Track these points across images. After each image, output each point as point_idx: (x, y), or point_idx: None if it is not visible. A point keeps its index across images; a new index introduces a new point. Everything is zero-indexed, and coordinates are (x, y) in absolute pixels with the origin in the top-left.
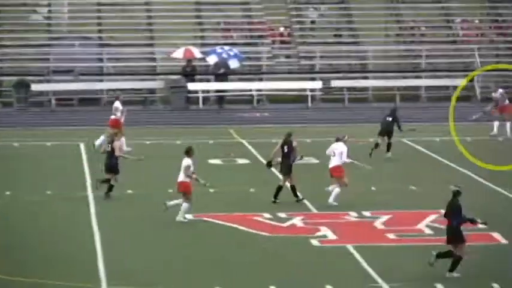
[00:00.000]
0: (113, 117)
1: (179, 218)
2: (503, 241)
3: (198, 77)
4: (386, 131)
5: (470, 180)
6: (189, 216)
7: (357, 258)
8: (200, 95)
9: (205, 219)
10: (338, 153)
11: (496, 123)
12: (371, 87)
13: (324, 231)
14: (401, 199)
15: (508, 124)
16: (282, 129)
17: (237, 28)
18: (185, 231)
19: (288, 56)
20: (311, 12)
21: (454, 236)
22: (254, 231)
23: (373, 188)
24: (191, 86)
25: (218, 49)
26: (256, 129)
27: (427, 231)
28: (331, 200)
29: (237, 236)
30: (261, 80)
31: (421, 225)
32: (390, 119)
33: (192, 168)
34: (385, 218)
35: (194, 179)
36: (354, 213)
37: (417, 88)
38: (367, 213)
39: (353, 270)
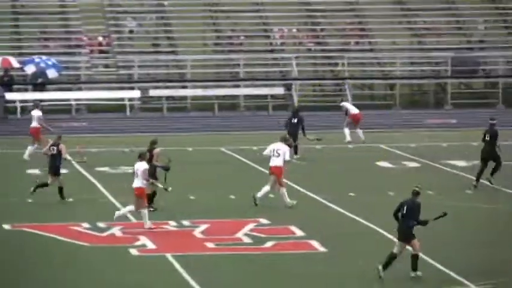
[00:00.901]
0: (33, 125)
1: (148, 225)
2: (322, 249)
3: (15, 86)
4: (293, 134)
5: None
6: (7, 227)
7: (176, 267)
8: (18, 104)
9: (25, 229)
10: (282, 153)
11: (346, 131)
12: (189, 97)
13: (143, 240)
14: (220, 208)
15: (359, 131)
16: (101, 139)
17: (55, 37)
18: (7, 242)
19: (106, 66)
20: (129, 22)
21: (407, 234)
22: (73, 241)
23: (191, 197)
24: (9, 95)
25: (36, 58)
26: (75, 138)
27: (246, 239)
28: (288, 201)
29: (56, 246)
30: (79, 89)
31: (240, 234)
32: (295, 120)
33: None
34: (204, 226)
35: (151, 182)
36: (173, 222)
37: (235, 97)
38: (186, 222)
39: (173, 280)
